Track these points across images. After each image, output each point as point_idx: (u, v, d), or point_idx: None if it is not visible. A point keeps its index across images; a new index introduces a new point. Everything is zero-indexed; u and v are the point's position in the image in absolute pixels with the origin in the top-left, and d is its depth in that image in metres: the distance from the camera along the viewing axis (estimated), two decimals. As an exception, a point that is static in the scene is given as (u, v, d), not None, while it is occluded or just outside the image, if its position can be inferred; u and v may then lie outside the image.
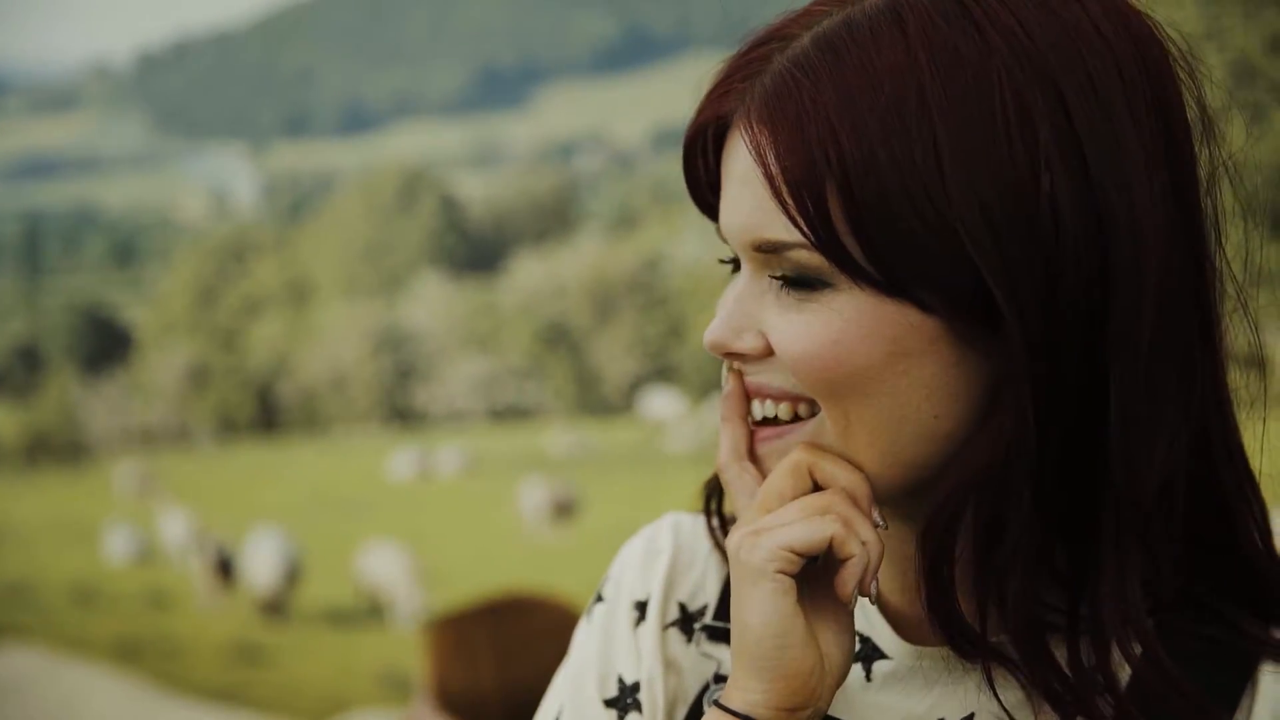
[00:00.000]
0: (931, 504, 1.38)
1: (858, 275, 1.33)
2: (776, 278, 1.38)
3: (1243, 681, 1.40)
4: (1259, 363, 1.47)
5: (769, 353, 1.39)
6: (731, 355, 1.42)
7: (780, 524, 1.37)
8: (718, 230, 1.45)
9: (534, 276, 64.75)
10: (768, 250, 1.37)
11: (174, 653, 20.30)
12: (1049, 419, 1.34)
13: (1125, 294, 1.33)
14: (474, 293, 65.90)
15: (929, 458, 1.38)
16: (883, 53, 1.33)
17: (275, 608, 21.86)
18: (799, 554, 1.35)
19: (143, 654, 20.20)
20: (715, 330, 1.42)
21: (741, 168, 1.38)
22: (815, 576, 1.38)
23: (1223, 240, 1.42)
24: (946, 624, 1.40)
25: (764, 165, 1.35)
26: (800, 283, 1.36)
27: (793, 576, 1.36)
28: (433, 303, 64.45)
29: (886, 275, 1.32)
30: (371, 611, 21.69)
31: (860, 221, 1.32)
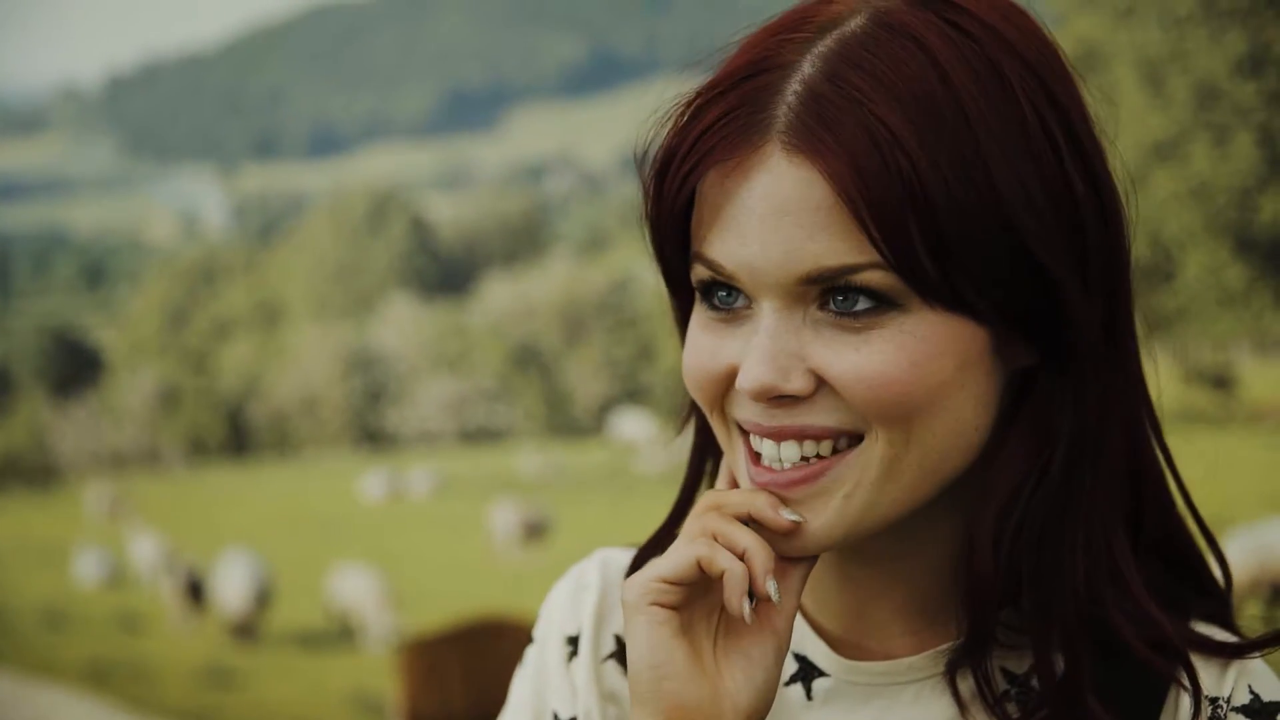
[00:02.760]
0: (962, 515, 1.42)
1: (929, 293, 1.33)
2: (828, 310, 1.35)
3: (1166, 680, 1.43)
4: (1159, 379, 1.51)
5: (815, 390, 1.36)
6: (779, 399, 1.37)
7: (659, 559, 1.38)
8: (705, 266, 1.40)
9: (504, 298, 64.78)
10: (825, 279, 1.34)
11: (144, 675, 20.20)
12: (1104, 414, 1.40)
13: (1125, 288, 1.41)
14: (444, 314, 65.88)
15: (959, 470, 1.40)
16: (919, 70, 1.33)
17: (246, 630, 21.78)
18: (671, 582, 1.36)
19: (113, 677, 20.09)
20: (760, 375, 1.35)
21: (779, 199, 1.34)
22: (728, 614, 1.39)
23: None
24: (982, 634, 1.42)
25: (842, 189, 1.32)
26: (861, 310, 1.34)
27: (675, 608, 1.37)
28: (403, 324, 64.41)
29: (953, 290, 1.33)
30: (342, 633, 21.61)
31: (938, 237, 1.31)
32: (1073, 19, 27.91)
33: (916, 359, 1.33)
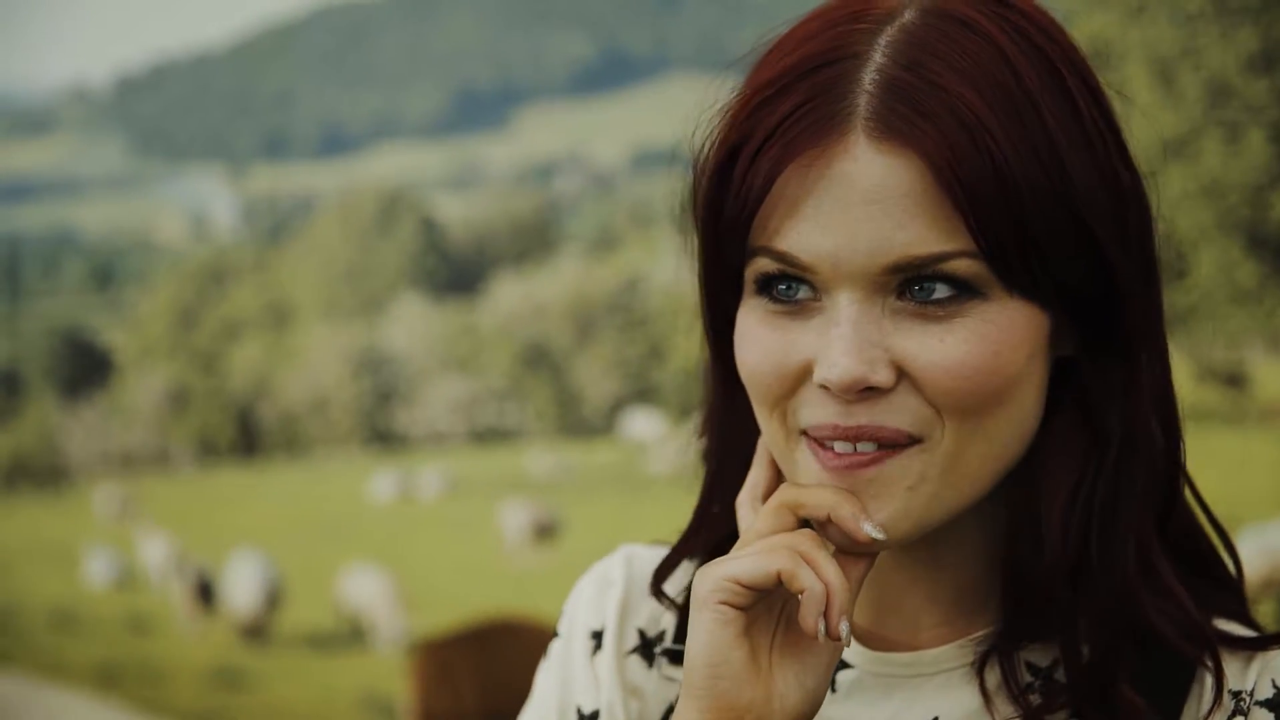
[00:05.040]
0: (1003, 506, 1.43)
1: (1010, 280, 1.33)
2: (907, 299, 1.34)
3: (1193, 668, 1.45)
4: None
5: (896, 383, 1.35)
6: (863, 393, 1.35)
7: (735, 557, 1.36)
8: (773, 259, 1.38)
9: (514, 298, 64.74)
10: (912, 268, 1.33)
11: (154, 677, 20.22)
12: (1150, 407, 1.42)
13: (1157, 277, 1.42)
14: (454, 314, 65.86)
15: (1015, 461, 1.41)
16: (989, 59, 1.34)
17: (256, 631, 21.79)
18: (745, 585, 1.35)
19: (123, 679, 20.12)
20: (849, 366, 1.33)
21: (865, 187, 1.32)
22: (789, 614, 1.39)
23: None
24: (1021, 624, 1.43)
25: (938, 174, 1.31)
26: (943, 299, 1.34)
27: (742, 609, 1.36)
28: (413, 324, 64.41)
29: (1031, 277, 1.33)
30: (353, 635, 21.62)
31: (1022, 223, 1.32)
32: (1083, 16, 27.89)
33: (999, 348, 1.33)
